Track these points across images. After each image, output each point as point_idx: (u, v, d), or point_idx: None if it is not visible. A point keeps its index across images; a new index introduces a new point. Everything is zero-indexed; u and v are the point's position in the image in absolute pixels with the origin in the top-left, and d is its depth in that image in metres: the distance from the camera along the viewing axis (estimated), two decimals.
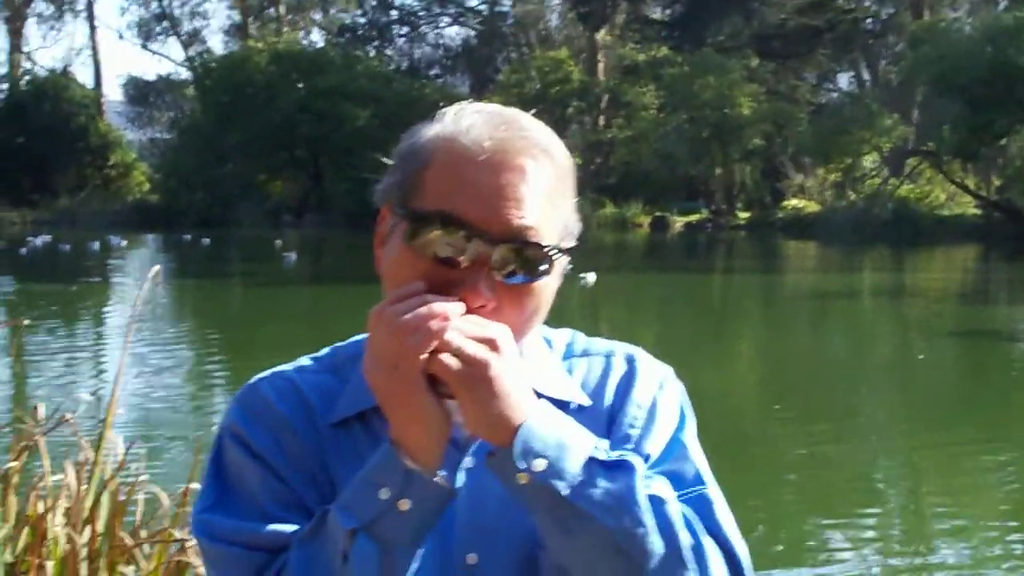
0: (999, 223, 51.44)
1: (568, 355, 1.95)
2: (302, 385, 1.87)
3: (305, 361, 1.93)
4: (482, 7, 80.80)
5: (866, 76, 75.17)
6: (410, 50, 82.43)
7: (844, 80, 77.34)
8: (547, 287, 1.76)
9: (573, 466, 1.66)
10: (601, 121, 65.76)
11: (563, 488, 1.65)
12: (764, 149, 61.89)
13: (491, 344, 1.63)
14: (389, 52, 79.79)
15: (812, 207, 59.35)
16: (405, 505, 1.66)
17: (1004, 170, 57.10)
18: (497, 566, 1.78)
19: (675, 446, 1.87)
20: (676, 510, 1.71)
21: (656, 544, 1.67)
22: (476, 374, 1.61)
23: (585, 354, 1.96)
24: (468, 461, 1.79)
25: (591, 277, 29.15)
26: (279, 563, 1.73)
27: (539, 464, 1.64)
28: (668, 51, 65.12)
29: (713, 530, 1.76)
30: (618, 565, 1.68)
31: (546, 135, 1.77)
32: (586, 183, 60.85)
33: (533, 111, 1.82)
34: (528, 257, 1.70)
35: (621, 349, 1.97)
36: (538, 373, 1.85)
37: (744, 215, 61.81)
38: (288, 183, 66.88)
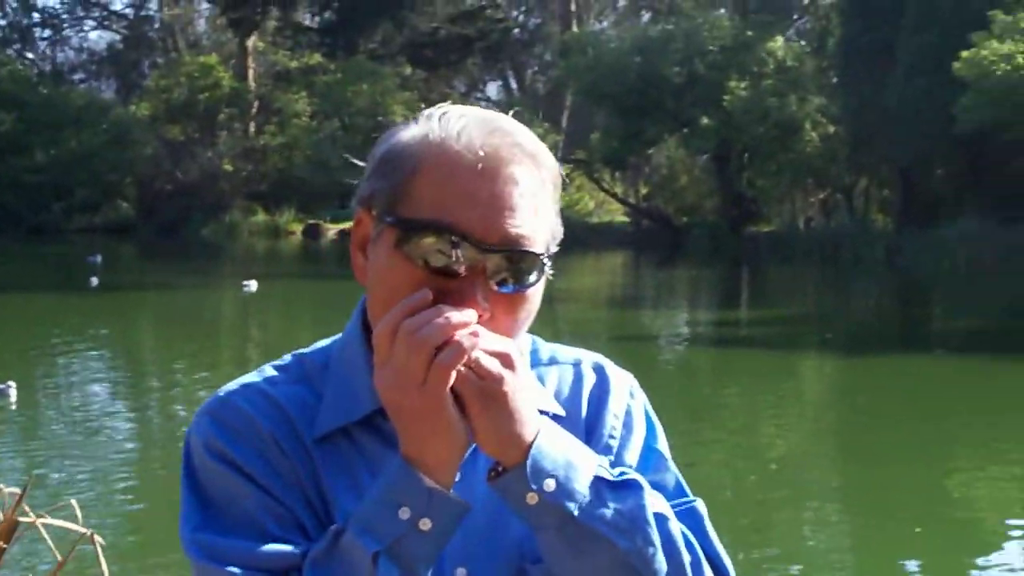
0: (648, 230, 53.32)
1: (535, 363, 1.90)
2: (279, 398, 1.79)
3: (270, 371, 1.85)
4: (128, 11, 78.87)
5: (514, 85, 76.64)
6: (53, 54, 79.82)
7: (493, 89, 78.69)
8: (536, 295, 1.74)
9: (582, 486, 1.65)
10: (253, 128, 65.03)
11: (574, 508, 1.64)
12: None
13: (505, 359, 1.61)
14: (31, 56, 77.03)
15: None
16: (427, 525, 1.63)
17: (650, 178, 59.24)
18: None
19: (652, 456, 1.86)
20: (677, 527, 1.72)
21: (661, 562, 1.68)
22: (491, 390, 1.60)
23: (552, 362, 1.91)
24: (456, 475, 1.71)
25: (252, 285, 28.94)
26: None
27: (549, 484, 1.63)
28: (321, 58, 64.91)
29: (705, 545, 1.76)
30: None
31: (533, 141, 1.73)
32: (237, 191, 60.19)
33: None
34: (521, 265, 1.68)
35: (588, 357, 1.94)
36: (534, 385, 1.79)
37: None
38: None
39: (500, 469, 1.65)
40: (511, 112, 1.77)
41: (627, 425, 1.86)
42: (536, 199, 1.70)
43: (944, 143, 40.88)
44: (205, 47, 74.97)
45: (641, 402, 1.91)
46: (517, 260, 1.67)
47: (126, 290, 31.86)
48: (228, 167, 60.96)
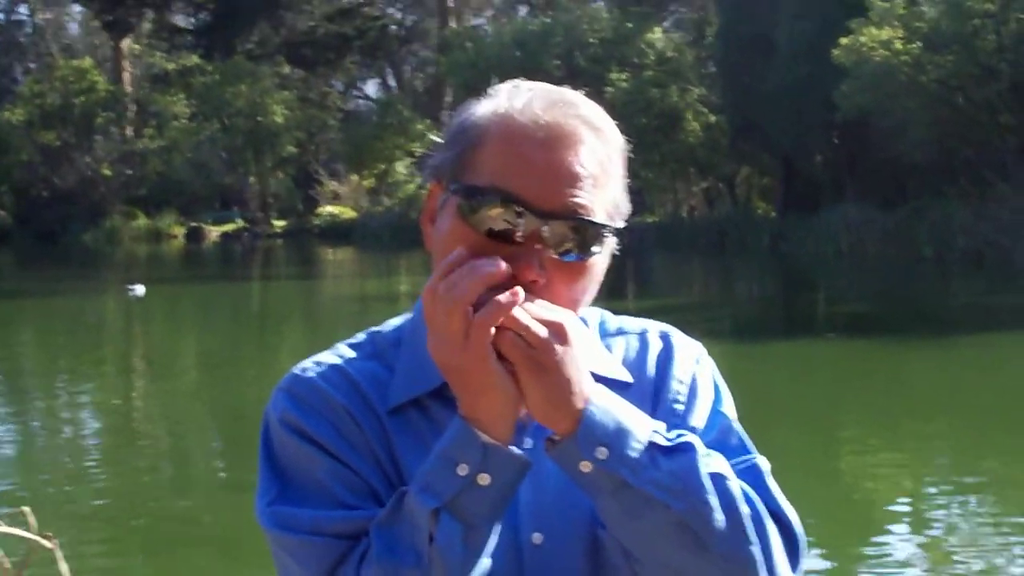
0: None
1: (604, 334, 1.95)
2: (352, 373, 1.84)
3: (345, 349, 1.91)
4: None
5: (392, 83, 76.46)
6: None
7: (372, 87, 78.45)
8: (598, 266, 1.77)
9: (635, 451, 1.67)
10: (131, 131, 64.20)
11: (627, 474, 1.66)
12: (298, 156, 62.03)
13: (558, 329, 1.63)
14: None
15: (348, 213, 59.83)
16: (485, 480, 1.66)
17: None
18: (562, 545, 1.78)
19: (717, 418, 1.89)
20: (736, 485, 1.73)
21: (720, 521, 1.70)
22: (541, 359, 1.62)
23: (620, 332, 1.96)
24: (527, 442, 1.77)
25: (140, 289, 28.62)
26: (360, 549, 1.71)
27: (602, 452, 1.65)
28: (198, 59, 64.35)
29: (768, 501, 1.78)
30: (685, 543, 1.70)
31: (599, 114, 1.77)
32: (117, 196, 59.42)
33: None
34: (582, 235, 1.70)
35: (654, 327, 1.99)
36: (591, 354, 1.81)
37: (280, 223, 61.72)
38: None
39: (556, 438, 1.68)
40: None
41: (693, 390, 1.91)
42: (597, 171, 1.73)
43: (824, 130, 41.32)
44: (79, 51, 73.91)
45: (708, 369, 1.96)
46: (579, 230, 1.70)
47: (4, 298, 31.21)
48: (107, 172, 60.33)
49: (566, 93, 1.78)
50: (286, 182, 64.68)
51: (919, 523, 9.86)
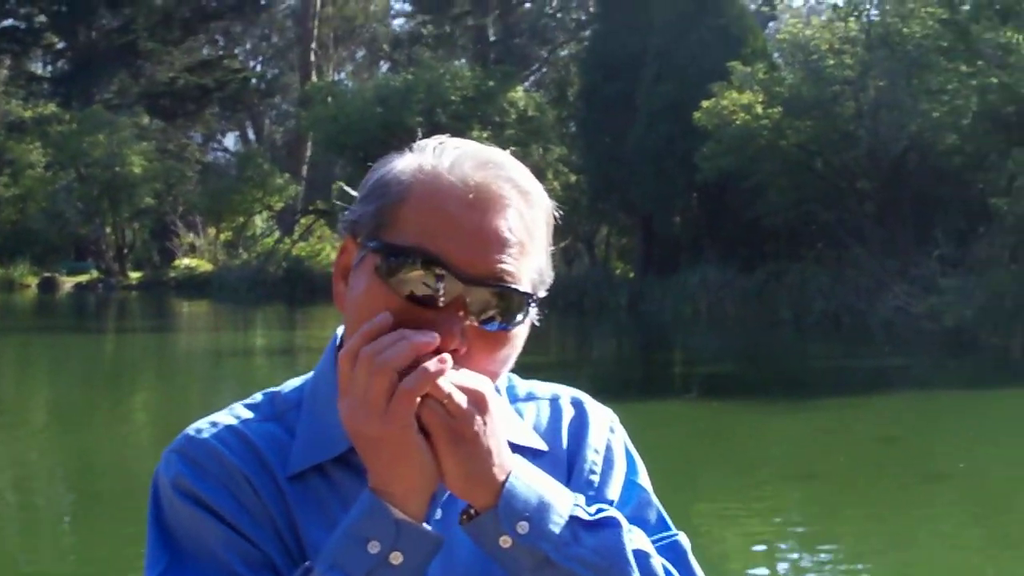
0: None
1: (513, 399, 1.86)
2: (250, 436, 1.73)
3: (242, 410, 1.79)
4: None
5: (251, 135, 76.09)
6: None
7: (231, 140, 78.02)
8: (519, 336, 1.69)
9: (556, 526, 1.61)
10: None
11: (549, 550, 1.59)
12: (155, 208, 61.34)
13: (478, 398, 1.56)
14: None
15: (205, 266, 59.21)
16: (398, 559, 1.57)
17: None
18: None
19: (634, 491, 1.84)
20: (659, 563, 1.67)
21: None
22: (461, 429, 1.54)
23: (530, 397, 1.88)
24: (437, 512, 1.69)
25: None
26: None
27: (522, 527, 1.59)
28: (55, 107, 63.39)
29: None
30: None
31: (526, 176, 1.71)
32: None
33: None
34: (506, 303, 1.64)
35: (566, 392, 1.91)
36: (506, 422, 1.71)
37: (136, 275, 60.96)
38: None
39: (472, 512, 1.60)
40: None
41: (608, 460, 1.85)
42: (525, 237, 1.66)
43: (684, 191, 41.75)
44: None
45: (621, 438, 1.90)
46: (502, 297, 1.63)
47: None
48: None
49: (495, 153, 1.71)
50: (142, 234, 63.94)
51: None
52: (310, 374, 1.82)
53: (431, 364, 1.51)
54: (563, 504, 1.62)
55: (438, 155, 1.68)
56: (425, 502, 1.59)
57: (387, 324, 1.55)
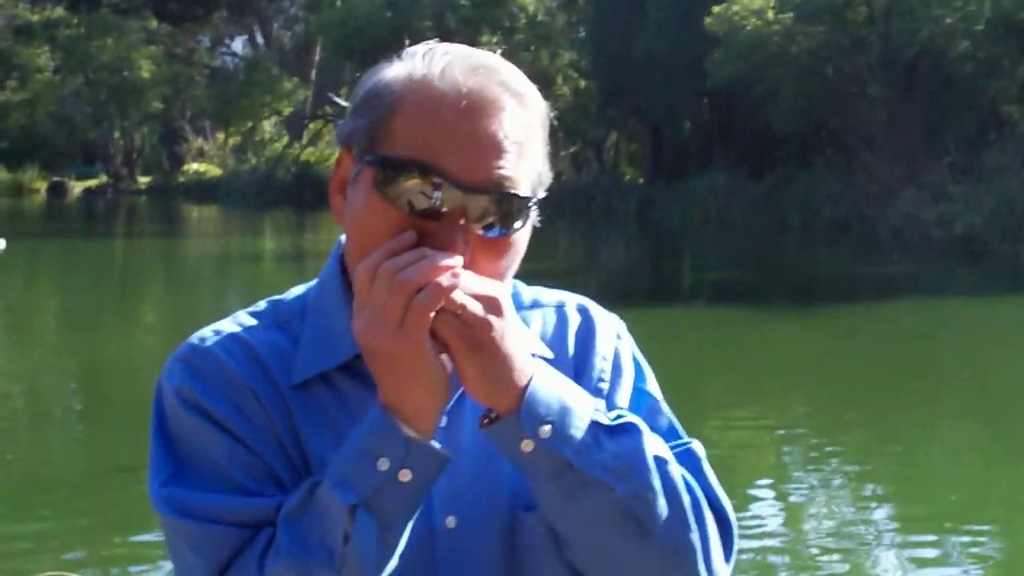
0: None
1: (518, 307, 1.81)
2: (254, 344, 1.72)
3: (245, 317, 1.77)
4: None
5: (260, 39, 75.63)
6: None
7: (239, 44, 77.54)
8: (521, 241, 1.67)
9: (578, 431, 1.60)
10: None
11: (570, 454, 1.59)
12: (164, 113, 61.17)
13: (493, 303, 1.54)
14: None
15: (214, 171, 59.15)
16: (407, 476, 1.57)
17: None
18: (477, 528, 1.70)
19: (643, 398, 1.82)
20: (676, 470, 1.67)
21: (662, 506, 1.64)
22: (479, 336, 1.53)
23: (536, 305, 1.86)
24: (443, 420, 1.65)
25: (1, 243, 28.09)
26: (262, 540, 1.61)
27: (544, 431, 1.58)
28: (63, 11, 62.99)
29: (705, 488, 1.72)
30: (624, 529, 1.63)
31: (521, 80, 1.66)
32: None
33: None
34: (506, 209, 1.61)
35: (571, 299, 1.88)
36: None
37: (145, 179, 60.92)
38: None
39: (493, 416, 1.59)
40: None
41: (616, 367, 1.83)
42: (521, 140, 1.62)
43: (693, 97, 41.56)
44: None
45: (628, 345, 1.88)
46: (502, 203, 1.60)
47: None
48: None
49: (486, 57, 1.67)
50: (151, 138, 63.81)
51: (780, 490, 9.90)
52: (313, 282, 1.81)
53: (444, 278, 1.51)
54: (584, 409, 1.62)
55: (428, 62, 1.65)
56: (435, 420, 1.59)
57: (409, 242, 1.55)
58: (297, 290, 1.82)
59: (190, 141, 61.60)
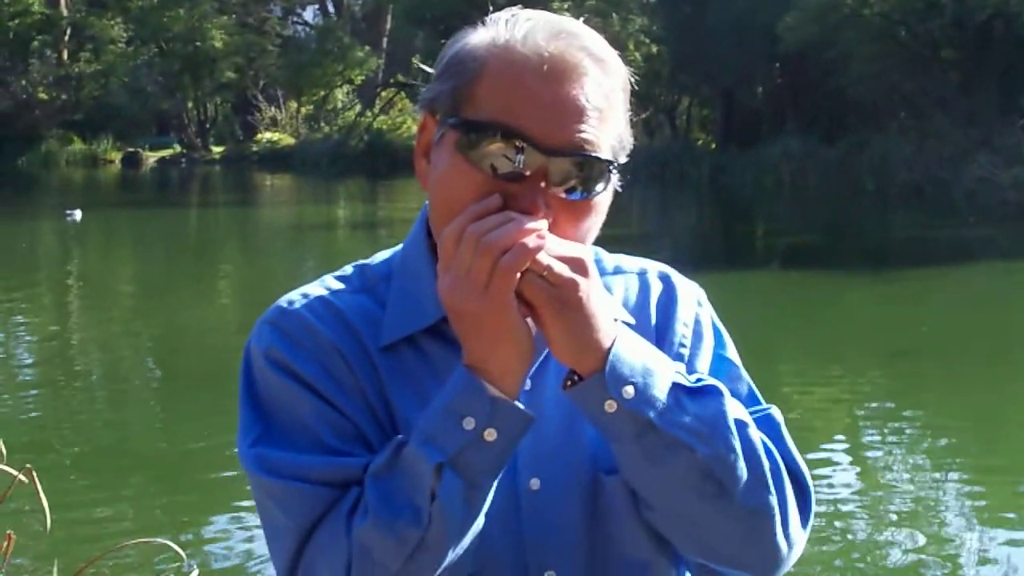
0: None
1: (601, 272, 1.84)
2: (341, 307, 1.76)
3: (333, 281, 1.82)
4: None
5: (331, 8, 75.70)
6: None
7: (310, 13, 77.64)
8: (602, 204, 1.69)
9: (661, 392, 1.62)
10: (66, 55, 63.29)
11: (653, 416, 1.62)
12: (236, 82, 61.45)
13: (578, 264, 1.57)
14: None
15: (287, 140, 59.35)
16: (491, 435, 1.59)
17: None
18: (560, 490, 1.73)
19: (724, 364, 1.85)
20: (757, 434, 1.69)
21: (743, 469, 1.66)
22: (565, 296, 1.56)
23: (618, 271, 1.89)
24: (527, 383, 1.69)
25: (77, 214, 28.34)
26: (350, 499, 1.64)
27: (628, 391, 1.60)
28: None
29: (784, 453, 1.74)
30: (705, 492, 1.65)
31: (602, 45, 1.70)
32: (52, 120, 58.66)
33: None
34: (587, 172, 1.63)
35: (653, 267, 1.92)
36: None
37: (218, 149, 61.21)
38: None
39: (576, 377, 1.62)
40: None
41: (697, 333, 1.86)
42: (603, 105, 1.65)
43: (766, 62, 41.28)
44: None
45: (708, 312, 1.91)
46: (583, 166, 1.63)
47: None
48: (42, 96, 59.37)
49: (568, 23, 1.70)
50: (224, 108, 64.14)
51: (855, 456, 9.87)
52: (398, 247, 1.84)
53: (530, 240, 1.53)
54: (666, 371, 1.64)
55: (511, 28, 1.68)
56: (519, 380, 1.61)
57: (495, 205, 1.58)
58: (383, 254, 1.86)
59: (263, 111, 61.83)
